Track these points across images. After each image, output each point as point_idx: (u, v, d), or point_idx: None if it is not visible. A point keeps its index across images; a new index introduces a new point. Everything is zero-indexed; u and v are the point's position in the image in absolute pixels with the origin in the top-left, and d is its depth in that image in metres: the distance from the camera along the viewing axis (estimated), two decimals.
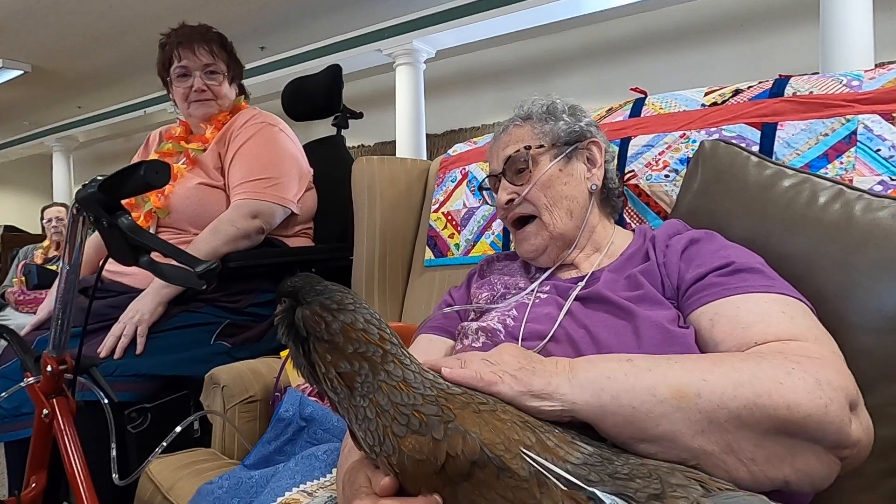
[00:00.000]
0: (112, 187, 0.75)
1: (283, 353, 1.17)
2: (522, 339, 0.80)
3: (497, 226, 1.40)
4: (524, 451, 0.51)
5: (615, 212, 1.05)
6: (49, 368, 0.87)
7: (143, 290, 1.36)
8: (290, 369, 1.13)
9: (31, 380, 0.91)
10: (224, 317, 1.42)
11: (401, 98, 5.90)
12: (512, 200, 0.93)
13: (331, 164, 2.05)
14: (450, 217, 1.49)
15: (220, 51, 1.59)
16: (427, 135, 6.11)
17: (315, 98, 2.04)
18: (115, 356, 1.24)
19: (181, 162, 1.59)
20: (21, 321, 3.43)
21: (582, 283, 0.85)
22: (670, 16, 5.36)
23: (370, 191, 1.55)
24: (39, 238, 4.71)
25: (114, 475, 0.88)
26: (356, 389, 0.55)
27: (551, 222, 0.90)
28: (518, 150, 0.92)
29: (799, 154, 1.06)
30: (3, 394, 0.93)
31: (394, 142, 6.18)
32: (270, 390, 1.18)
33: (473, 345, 0.84)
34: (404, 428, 0.53)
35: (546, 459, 0.51)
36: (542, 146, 0.93)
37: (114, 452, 0.90)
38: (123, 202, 0.78)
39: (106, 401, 0.94)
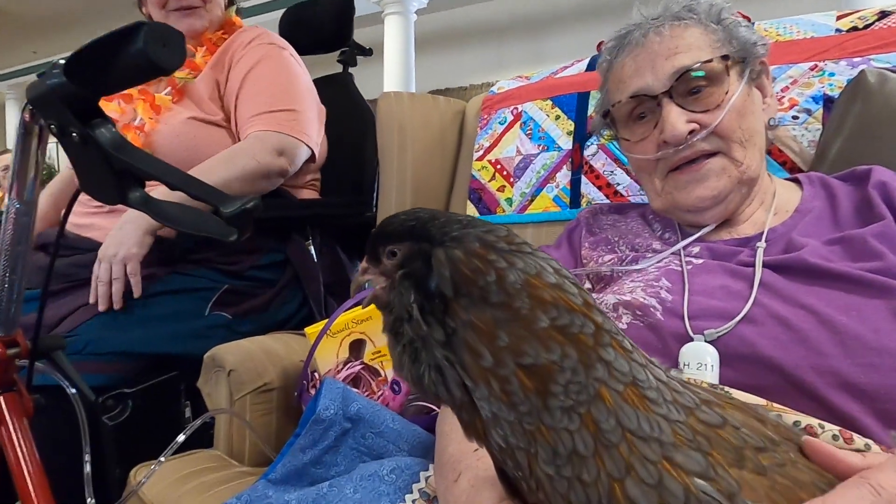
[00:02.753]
0: (86, 72, 0.47)
1: (310, 329, 0.91)
2: (691, 318, 0.57)
3: (563, 177, 1.14)
4: None
5: None
6: None
7: None
8: (322, 352, 0.87)
9: None
10: (221, 281, 1.14)
11: (390, 51, 5.53)
12: (693, 132, 0.67)
13: (339, 106, 1.76)
14: (499, 166, 1.23)
15: None
16: None
17: (321, 28, 1.74)
18: (116, 306, 0.99)
19: (165, 91, 1.27)
20: None
21: (762, 245, 0.61)
22: None
23: (400, 134, 1.28)
24: None
25: (89, 500, 0.63)
26: (552, 396, 0.31)
27: (745, 161, 0.66)
28: (702, 62, 0.67)
29: None
30: None
31: (377, 100, 5.83)
32: (292, 377, 0.93)
33: None
34: (653, 493, 0.29)
35: None
36: (729, 57, 0.67)
37: (87, 468, 0.64)
38: (105, 104, 0.50)
39: (73, 390, 0.68)
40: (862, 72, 0.85)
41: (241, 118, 1.22)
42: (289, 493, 0.68)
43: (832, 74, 0.94)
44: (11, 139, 8.61)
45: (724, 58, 0.67)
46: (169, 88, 1.27)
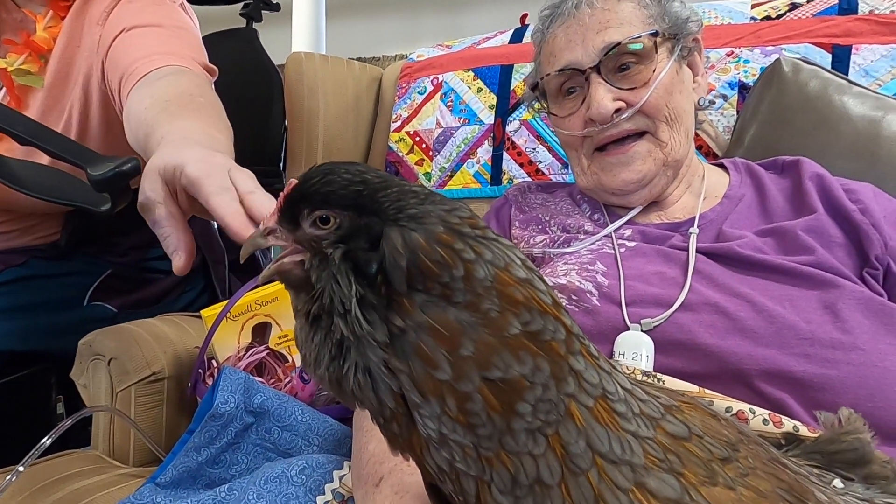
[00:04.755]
0: None
1: (207, 312, 0.81)
2: (628, 304, 0.55)
3: (484, 153, 1.10)
4: None
5: None
6: None
7: None
8: (222, 336, 0.78)
9: None
10: (103, 265, 0.98)
11: (298, 14, 5.22)
12: (619, 111, 0.64)
13: (241, 64, 1.61)
14: (417, 138, 1.17)
15: None
16: None
17: None
18: None
19: None
20: None
21: (695, 230, 0.60)
22: None
23: (311, 98, 1.18)
24: None
25: None
26: (518, 417, 0.26)
27: (669, 142, 0.64)
28: (634, 39, 0.64)
29: (881, 84, 0.88)
30: None
31: (283, 66, 5.53)
32: (186, 365, 0.83)
33: None
34: None
35: None
36: (658, 34, 0.65)
37: None
38: None
39: None
40: (777, 60, 0.87)
41: (126, 67, 0.77)
42: (181, 499, 0.60)
43: (747, 62, 0.96)
44: None
45: (654, 34, 0.65)
46: (3, 92, 0.87)
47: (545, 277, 0.61)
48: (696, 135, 0.95)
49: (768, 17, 0.99)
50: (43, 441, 0.56)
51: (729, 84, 0.96)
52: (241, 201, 0.41)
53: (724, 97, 0.96)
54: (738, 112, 0.93)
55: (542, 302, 0.28)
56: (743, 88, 0.94)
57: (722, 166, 0.76)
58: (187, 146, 0.47)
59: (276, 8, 1.75)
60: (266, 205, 0.41)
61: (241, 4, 1.68)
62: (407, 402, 0.28)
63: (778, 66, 0.86)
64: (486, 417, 0.25)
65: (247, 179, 0.43)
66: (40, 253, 0.95)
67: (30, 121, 0.40)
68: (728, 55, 0.97)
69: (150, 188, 0.42)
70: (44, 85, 0.85)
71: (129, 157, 0.39)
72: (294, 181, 0.31)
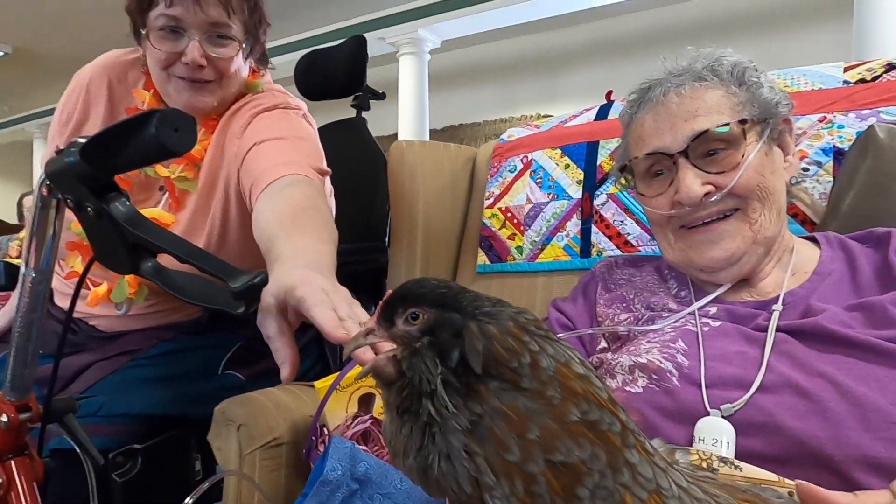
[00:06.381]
0: (101, 154, 0.48)
1: (320, 384, 0.90)
2: (708, 386, 0.56)
3: (573, 226, 1.15)
4: None
5: None
6: (4, 419, 0.60)
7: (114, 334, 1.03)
8: (332, 406, 0.87)
9: None
10: (235, 339, 1.12)
11: (404, 90, 5.63)
12: (709, 194, 0.67)
13: (351, 149, 1.80)
14: (509, 214, 1.24)
15: (240, 2, 0.98)
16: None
17: (334, 74, 1.78)
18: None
19: (162, 203, 1.03)
20: None
21: (779, 307, 0.60)
22: (685, 11, 5.16)
23: (412, 180, 1.30)
24: (17, 229, 4.37)
25: None
26: (577, 501, 0.30)
27: (759, 220, 0.66)
28: (721, 125, 0.67)
29: None
30: None
31: (392, 136, 5.92)
32: (302, 431, 0.92)
33: (628, 388, 0.59)
34: None
35: None
36: (747, 121, 0.67)
37: None
38: (119, 179, 0.52)
39: (83, 454, 0.68)
40: (871, 127, 0.85)
41: (257, 172, 0.92)
42: None
43: (841, 126, 0.94)
44: (38, 177, 8.84)
45: (742, 122, 0.67)
46: (166, 195, 1.03)
47: (628, 354, 0.64)
48: (791, 203, 0.94)
49: (863, 80, 0.97)
50: (186, 501, 0.66)
51: (822, 150, 0.94)
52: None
53: (819, 164, 0.94)
54: (833, 178, 0.91)
55: (598, 396, 0.32)
56: (838, 154, 0.92)
57: (814, 240, 0.75)
58: (295, 268, 0.58)
59: (382, 97, 1.93)
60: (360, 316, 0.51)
61: (352, 97, 1.87)
62: (480, 485, 0.32)
63: (872, 133, 0.84)
64: (549, 500, 0.30)
65: (341, 303, 0.53)
66: (186, 329, 1.10)
67: (187, 243, 0.51)
68: (820, 121, 0.96)
69: (266, 308, 0.53)
70: (197, 189, 1.02)
71: (260, 271, 0.49)
72: (391, 291, 0.38)
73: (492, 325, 0.33)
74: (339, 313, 0.50)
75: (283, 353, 0.55)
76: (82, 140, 0.49)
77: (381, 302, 0.39)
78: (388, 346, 0.38)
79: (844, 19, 3.91)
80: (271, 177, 0.86)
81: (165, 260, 0.55)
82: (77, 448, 0.66)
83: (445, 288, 0.36)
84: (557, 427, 0.30)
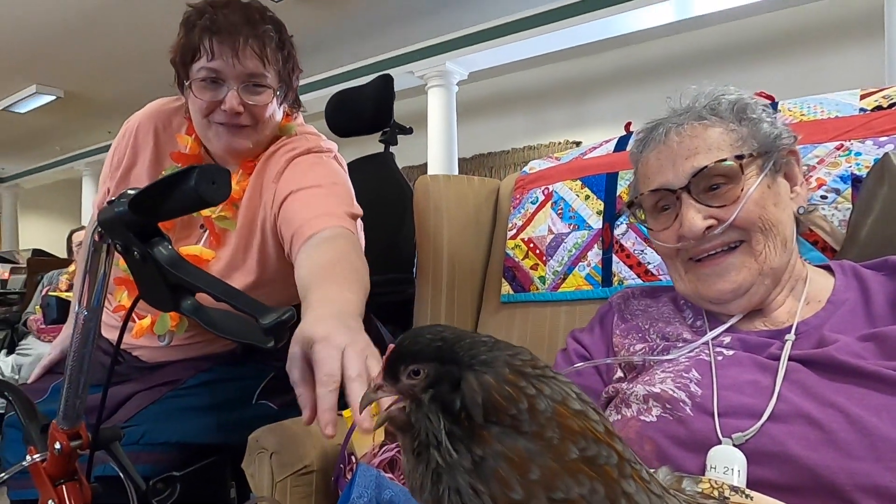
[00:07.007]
0: (147, 205, 0.54)
1: (347, 413, 0.94)
2: (720, 415, 0.57)
3: (594, 256, 1.17)
4: None
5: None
6: (58, 446, 0.66)
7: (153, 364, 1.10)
8: (360, 434, 0.90)
9: (35, 458, 0.69)
10: (268, 369, 1.17)
11: (433, 121, 5.74)
12: (711, 227, 0.69)
13: (379, 183, 1.86)
14: (531, 244, 1.27)
15: (274, 53, 1.05)
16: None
17: (363, 111, 1.86)
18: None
19: (203, 241, 1.10)
20: (43, 351, 3.25)
21: (791, 337, 0.62)
22: (710, 36, 5.16)
23: (436, 213, 1.34)
24: (67, 263, 4.56)
25: None
26: None
27: (764, 252, 0.68)
28: (719, 161, 0.69)
29: None
30: (3, 474, 0.72)
31: (422, 166, 6.01)
32: (331, 459, 0.95)
33: (643, 417, 0.61)
34: None
35: None
36: (746, 156, 0.70)
37: None
38: (162, 226, 0.57)
39: (127, 480, 0.72)
40: (886, 155, 0.86)
41: (297, 224, 0.97)
42: None
43: (858, 154, 0.94)
44: (87, 213, 9.22)
45: (739, 157, 0.70)
46: (207, 233, 1.10)
47: (643, 384, 0.65)
48: (811, 231, 0.95)
49: (879, 108, 0.98)
50: None
51: (840, 178, 0.95)
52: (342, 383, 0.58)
53: (837, 191, 0.94)
54: (852, 205, 0.92)
55: (595, 431, 0.35)
56: (856, 181, 0.93)
57: (829, 268, 0.76)
58: (320, 320, 0.64)
59: (410, 132, 2.00)
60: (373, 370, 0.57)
61: (380, 132, 1.95)
62: None
63: (888, 161, 0.85)
64: None
65: (354, 360, 0.58)
66: (222, 360, 1.16)
67: (223, 283, 0.56)
68: (837, 148, 0.97)
69: (292, 356, 0.60)
70: (236, 227, 1.08)
71: (288, 308, 0.54)
72: (392, 346, 0.41)
73: (488, 374, 0.35)
74: (349, 373, 0.56)
75: (305, 399, 0.62)
76: (131, 192, 0.55)
77: (383, 359, 0.42)
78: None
79: (876, 41, 3.86)
80: (310, 230, 0.93)
81: (203, 298, 0.60)
82: (122, 474, 0.71)
83: (440, 340, 0.38)
84: (557, 466, 0.32)
